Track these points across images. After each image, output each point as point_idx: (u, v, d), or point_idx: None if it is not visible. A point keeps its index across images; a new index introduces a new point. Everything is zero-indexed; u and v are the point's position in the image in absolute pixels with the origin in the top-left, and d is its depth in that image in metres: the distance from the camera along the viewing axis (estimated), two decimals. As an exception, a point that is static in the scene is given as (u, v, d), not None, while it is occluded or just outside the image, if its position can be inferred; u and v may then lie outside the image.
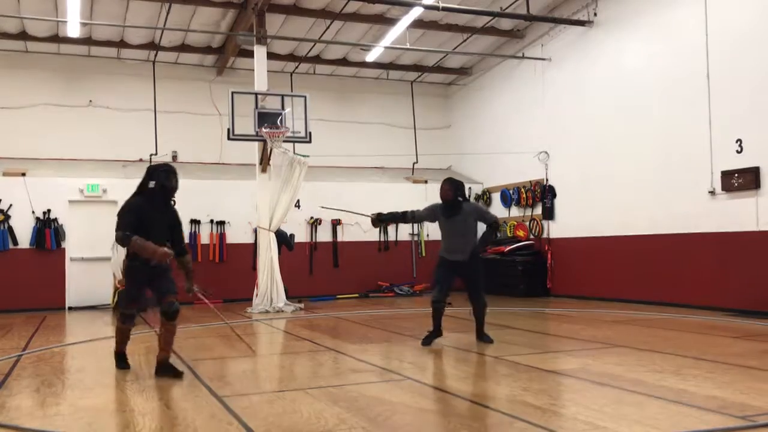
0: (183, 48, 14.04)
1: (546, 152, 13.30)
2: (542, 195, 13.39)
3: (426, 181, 15.35)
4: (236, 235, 13.64)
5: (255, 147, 12.00)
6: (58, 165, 13.42)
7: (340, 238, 14.55)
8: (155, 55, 14.27)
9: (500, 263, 13.21)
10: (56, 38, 13.16)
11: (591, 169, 12.13)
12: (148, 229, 5.40)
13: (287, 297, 11.75)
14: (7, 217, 12.33)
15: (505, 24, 13.84)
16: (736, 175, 9.33)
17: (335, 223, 14.49)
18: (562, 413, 4.14)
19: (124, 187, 13.02)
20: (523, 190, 13.94)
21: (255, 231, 12.76)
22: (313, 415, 4.09)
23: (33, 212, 12.49)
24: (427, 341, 6.79)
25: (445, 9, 11.61)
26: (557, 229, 13.18)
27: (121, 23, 12.38)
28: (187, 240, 13.18)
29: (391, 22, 12.79)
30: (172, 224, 5.75)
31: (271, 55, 12.94)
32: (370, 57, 14.61)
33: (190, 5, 12.18)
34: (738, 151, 9.34)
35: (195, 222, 13.47)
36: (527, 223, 13.81)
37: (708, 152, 9.76)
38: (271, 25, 12.65)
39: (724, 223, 9.58)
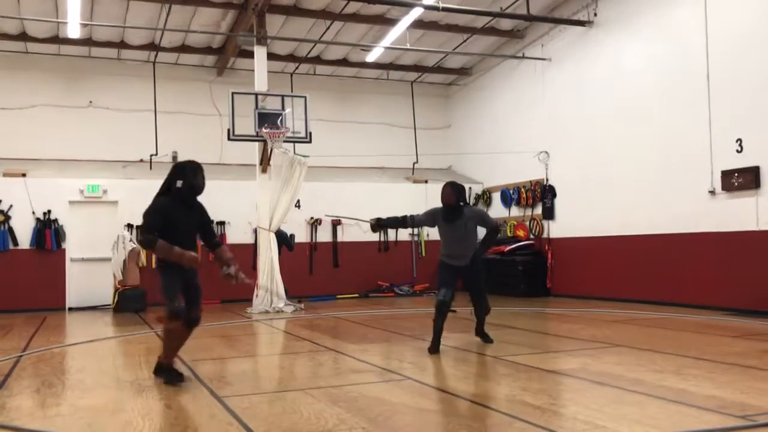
0: (183, 49, 14.05)
1: (546, 152, 13.30)
2: (542, 195, 13.39)
3: (426, 181, 15.36)
4: (236, 235, 13.64)
5: (255, 147, 12.00)
6: (59, 165, 13.43)
7: (340, 239, 14.55)
8: (155, 56, 14.28)
9: (500, 263, 13.21)
10: (56, 39, 13.17)
11: (591, 168, 12.13)
12: (175, 231, 5.23)
13: (287, 297, 11.76)
14: (8, 218, 12.34)
15: (505, 24, 13.84)
16: (736, 174, 9.33)
17: (335, 224, 14.49)
18: (561, 413, 4.14)
19: (124, 188, 13.16)
20: (523, 190, 13.95)
21: (255, 231, 12.76)
22: (313, 416, 4.10)
23: (33, 213, 12.49)
24: (435, 348, 6.48)
25: (445, 9, 11.61)
26: (557, 228, 13.18)
27: (121, 24, 12.39)
28: (187, 240, 13.39)
29: (391, 22, 12.79)
30: (201, 222, 5.61)
31: (271, 56, 12.95)
32: (371, 57, 14.61)
33: (190, 6, 12.19)
34: (738, 151, 9.34)
35: (195, 222, 13.45)
36: (527, 223, 13.81)
37: (708, 152, 9.75)
38: (272, 26, 12.66)
39: (724, 223, 9.58)
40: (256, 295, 11.57)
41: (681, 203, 10.25)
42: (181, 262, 5.18)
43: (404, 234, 15.05)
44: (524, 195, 13.87)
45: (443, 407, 4.33)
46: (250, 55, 12.55)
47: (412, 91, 16.62)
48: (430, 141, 16.49)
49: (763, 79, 9.00)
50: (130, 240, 12.40)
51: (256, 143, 11.83)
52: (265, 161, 11.89)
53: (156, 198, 5.40)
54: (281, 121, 11.60)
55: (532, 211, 13.76)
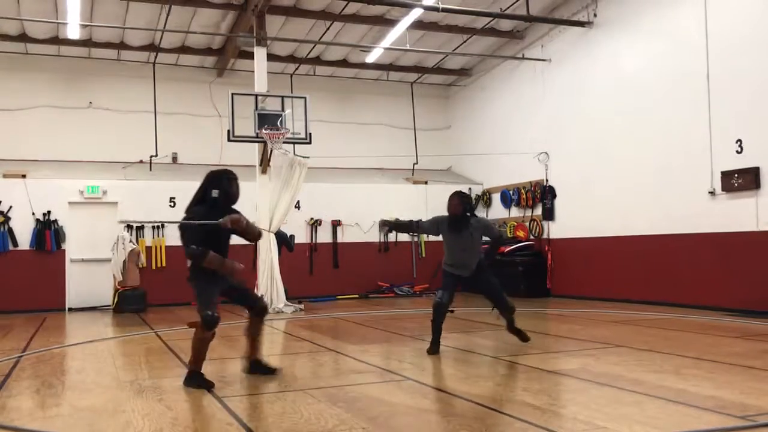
0: (183, 49, 14.06)
1: (546, 153, 13.30)
2: (542, 195, 13.39)
3: (426, 182, 15.37)
4: (236, 235, 13.62)
5: (255, 148, 12.00)
6: (59, 167, 13.43)
7: (340, 239, 14.55)
8: (155, 57, 14.28)
9: (500, 263, 13.20)
10: (56, 40, 13.18)
11: (591, 169, 12.13)
12: (214, 241, 5.19)
13: (287, 298, 11.75)
14: (8, 219, 12.34)
15: (505, 25, 13.84)
16: (736, 175, 9.33)
17: (335, 224, 14.49)
18: (561, 413, 4.14)
19: (124, 189, 13.17)
20: (523, 190, 13.95)
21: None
22: (313, 416, 4.09)
23: (33, 214, 12.50)
24: (435, 349, 6.47)
25: (445, 10, 11.62)
26: (557, 229, 13.18)
27: (121, 25, 12.40)
28: (187, 241, 13.39)
29: (391, 23, 12.80)
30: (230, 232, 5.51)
31: (271, 57, 12.95)
32: (370, 58, 14.62)
33: (190, 7, 12.19)
34: (738, 152, 9.34)
35: (195, 223, 13.45)
36: (527, 224, 13.81)
37: (708, 152, 9.76)
38: (271, 27, 12.66)
39: (724, 224, 9.58)
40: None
41: (681, 204, 10.25)
42: (232, 274, 5.18)
43: (404, 235, 15.04)
44: (524, 196, 13.88)
45: (443, 407, 4.32)
46: (249, 56, 12.55)
47: (411, 92, 16.63)
48: (430, 142, 16.49)
49: (763, 80, 9.01)
50: (130, 241, 12.40)
51: (256, 144, 11.83)
52: (265, 162, 11.89)
53: (190, 207, 5.33)
54: (281, 122, 11.60)
55: (532, 212, 13.76)
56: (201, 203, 5.29)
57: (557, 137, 13.03)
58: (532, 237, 13.67)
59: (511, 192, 14.37)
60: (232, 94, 11.63)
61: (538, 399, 4.45)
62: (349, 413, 4.14)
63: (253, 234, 5.57)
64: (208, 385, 5.04)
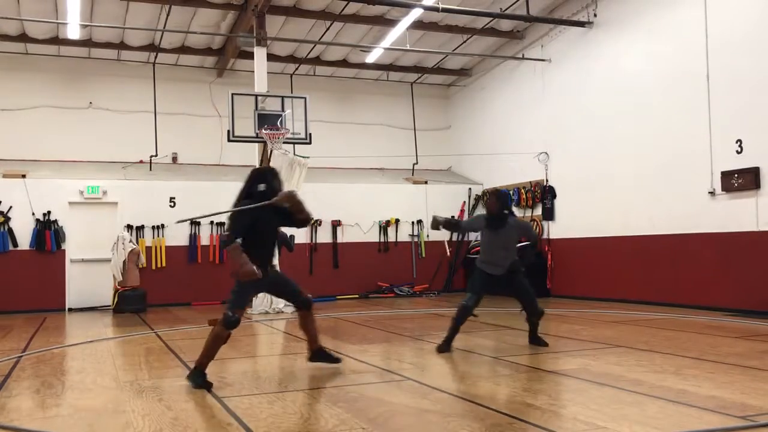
0: (183, 49, 14.06)
1: (546, 153, 13.30)
2: (542, 196, 13.39)
3: (426, 182, 15.37)
4: (285, 224, 13.61)
5: (255, 148, 12.00)
6: (59, 167, 13.43)
7: (339, 239, 14.54)
8: (155, 57, 14.28)
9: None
10: (56, 40, 13.18)
11: (591, 169, 12.14)
12: (262, 232, 5.38)
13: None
14: (8, 219, 12.34)
15: (505, 25, 13.84)
16: (736, 175, 9.33)
17: (335, 224, 14.49)
18: (562, 413, 4.14)
19: (124, 189, 13.17)
20: (523, 190, 13.95)
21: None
22: (313, 416, 4.09)
23: (33, 214, 12.50)
24: (446, 347, 6.54)
25: (445, 10, 11.62)
26: (557, 229, 13.18)
27: (121, 25, 12.40)
28: (186, 242, 13.44)
29: (391, 23, 12.80)
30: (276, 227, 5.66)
31: (271, 57, 12.95)
32: (370, 58, 14.62)
33: (190, 7, 12.19)
34: (738, 152, 9.35)
35: (195, 223, 13.48)
36: (527, 224, 13.80)
37: (708, 152, 9.76)
38: (271, 27, 12.66)
39: (724, 224, 9.58)
40: (256, 296, 11.57)
41: (681, 204, 10.25)
42: (238, 274, 5.12)
43: (404, 235, 15.06)
44: (524, 196, 13.88)
45: (443, 407, 4.32)
46: (249, 56, 12.55)
47: (411, 92, 16.63)
48: (430, 142, 16.49)
49: (763, 80, 9.01)
50: (130, 241, 12.40)
51: (256, 144, 11.83)
52: (265, 162, 11.88)
53: (238, 203, 5.43)
54: (281, 122, 11.60)
55: (532, 212, 13.76)
56: (248, 198, 5.39)
57: (557, 137, 13.03)
58: (532, 237, 13.65)
59: (511, 192, 14.36)
60: (232, 94, 11.63)
61: (538, 399, 4.45)
62: (349, 413, 4.14)
63: (305, 214, 5.58)
64: (207, 386, 5.05)
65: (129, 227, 12.98)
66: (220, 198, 13.36)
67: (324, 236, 14.49)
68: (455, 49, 14.56)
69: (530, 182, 13.73)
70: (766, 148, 9.00)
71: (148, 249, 13.08)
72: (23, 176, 12.60)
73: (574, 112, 12.61)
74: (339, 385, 5.15)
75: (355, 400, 4.53)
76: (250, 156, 12.42)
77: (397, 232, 15.00)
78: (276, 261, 11.69)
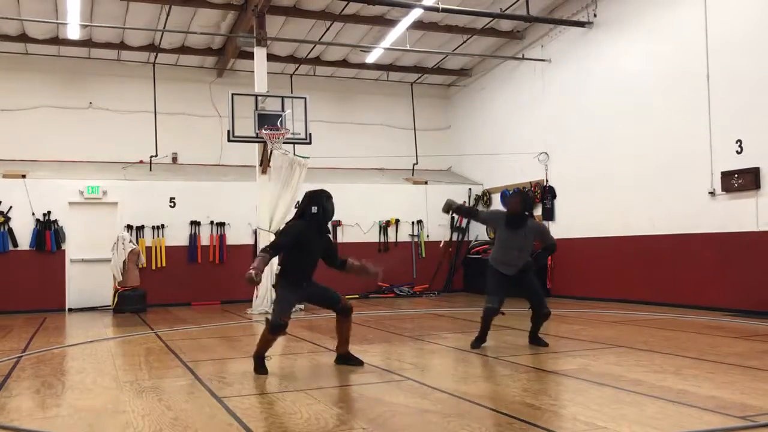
0: (183, 50, 14.06)
1: (546, 153, 13.31)
2: (542, 196, 13.38)
3: (426, 182, 15.37)
4: (236, 236, 13.65)
5: (255, 148, 12.00)
6: (59, 167, 13.44)
7: (339, 239, 14.53)
8: (155, 57, 14.28)
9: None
10: (56, 40, 13.18)
11: (591, 169, 12.14)
12: (308, 252, 5.70)
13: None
14: (8, 219, 12.34)
15: (505, 25, 13.84)
16: (736, 175, 9.33)
17: (335, 224, 14.48)
18: (562, 413, 4.14)
19: (124, 189, 13.17)
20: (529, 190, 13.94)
21: (255, 232, 12.76)
22: (313, 416, 4.09)
23: (33, 214, 12.50)
24: (477, 344, 6.69)
25: (445, 10, 11.61)
26: (557, 229, 13.14)
27: (121, 25, 12.40)
28: (186, 242, 13.44)
29: (391, 23, 12.80)
30: (328, 248, 5.97)
31: (271, 57, 12.95)
32: (370, 58, 14.62)
33: (190, 7, 12.19)
34: (738, 152, 9.35)
35: (195, 223, 13.49)
36: (527, 224, 13.79)
37: (708, 152, 9.76)
38: (271, 27, 12.66)
39: (724, 224, 9.58)
40: (256, 296, 11.58)
41: (681, 204, 10.25)
42: (249, 281, 5.33)
43: (404, 235, 15.06)
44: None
45: (443, 408, 4.32)
46: (249, 56, 12.55)
47: (412, 92, 16.63)
48: (430, 142, 16.49)
49: (763, 80, 9.01)
50: (130, 241, 12.40)
51: (256, 144, 11.83)
52: (264, 162, 11.89)
53: (292, 221, 5.90)
54: (281, 122, 11.60)
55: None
56: (301, 218, 5.78)
57: (557, 137, 13.03)
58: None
59: (511, 192, 14.35)
60: (232, 94, 11.64)
61: (538, 399, 4.45)
62: (349, 413, 4.14)
63: (358, 270, 6.22)
64: (261, 371, 5.53)
65: (129, 227, 12.99)
66: (220, 198, 13.60)
67: (324, 236, 14.45)
68: (455, 49, 14.56)
69: (530, 182, 13.72)
70: (766, 148, 8.99)
71: (148, 249, 13.08)
72: (23, 176, 12.61)
73: (574, 112, 12.61)
74: (339, 385, 5.15)
75: (355, 400, 4.53)
76: (250, 156, 12.43)
77: (397, 232, 15.01)
78: (276, 262, 11.72)
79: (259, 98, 11.62)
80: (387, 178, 15.53)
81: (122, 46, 13.64)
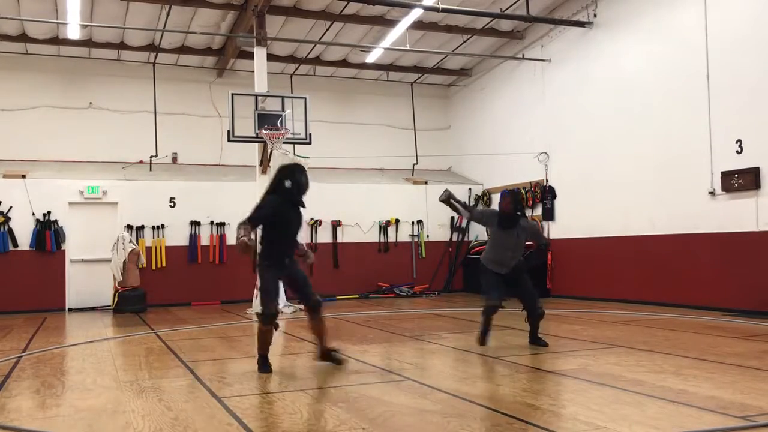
0: (183, 50, 14.06)
1: (546, 153, 13.31)
2: (542, 196, 13.38)
3: (426, 182, 15.37)
4: (236, 236, 13.64)
5: (255, 148, 12.01)
6: (59, 167, 13.44)
7: (340, 239, 14.55)
8: (155, 57, 14.28)
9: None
10: (56, 40, 13.18)
11: (591, 169, 12.14)
12: (286, 227, 5.64)
13: (287, 298, 11.75)
14: (8, 219, 12.34)
15: (505, 25, 13.84)
16: (736, 175, 9.33)
17: (335, 225, 14.49)
18: (562, 413, 4.14)
19: (124, 189, 13.17)
20: (523, 191, 13.93)
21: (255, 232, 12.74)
22: (313, 416, 4.09)
23: (33, 214, 12.50)
24: (483, 340, 6.70)
25: (445, 10, 11.62)
26: (557, 229, 13.17)
27: (121, 25, 12.40)
28: (186, 242, 13.45)
29: (391, 23, 12.80)
30: (299, 222, 5.88)
31: (271, 57, 12.95)
32: (370, 58, 14.62)
33: (190, 7, 12.19)
34: (738, 152, 9.34)
35: (195, 223, 13.49)
36: (527, 224, 13.79)
37: (708, 152, 9.76)
38: (271, 27, 12.66)
39: (724, 224, 9.58)
40: (256, 296, 11.57)
41: (681, 204, 10.25)
42: (239, 251, 5.37)
43: (404, 235, 15.06)
44: (524, 196, 13.85)
45: (443, 408, 4.32)
46: (249, 56, 12.55)
47: (411, 92, 16.63)
48: (430, 142, 16.50)
49: (763, 79, 9.01)
50: (130, 241, 12.40)
51: (256, 144, 11.83)
52: (265, 162, 11.89)
53: (264, 197, 5.75)
54: (281, 122, 11.60)
55: (532, 212, 13.75)
56: (274, 193, 5.68)
57: (557, 137, 13.03)
58: (532, 237, 13.64)
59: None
60: (232, 94, 11.64)
61: (538, 399, 4.45)
62: (349, 413, 4.14)
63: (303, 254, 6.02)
64: (264, 370, 5.55)
65: (129, 227, 12.99)
66: (220, 198, 13.60)
67: (324, 236, 14.49)
68: (455, 49, 14.56)
69: (530, 182, 13.72)
70: (766, 148, 8.99)
71: (148, 249, 13.09)
72: (23, 176, 12.61)
73: (574, 112, 12.61)
74: (339, 385, 5.15)
75: (355, 400, 4.53)
76: (250, 156, 12.43)
77: (397, 232, 15.01)
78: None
79: (259, 98, 11.62)
80: (387, 178, 15.54)
81: (122, 46, 13.64)
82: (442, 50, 14.49)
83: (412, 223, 15.13)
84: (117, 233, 12.48)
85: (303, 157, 11.76)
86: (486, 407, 4.30)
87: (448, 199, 6.93)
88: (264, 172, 11.95)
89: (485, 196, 15.37)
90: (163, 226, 13.28)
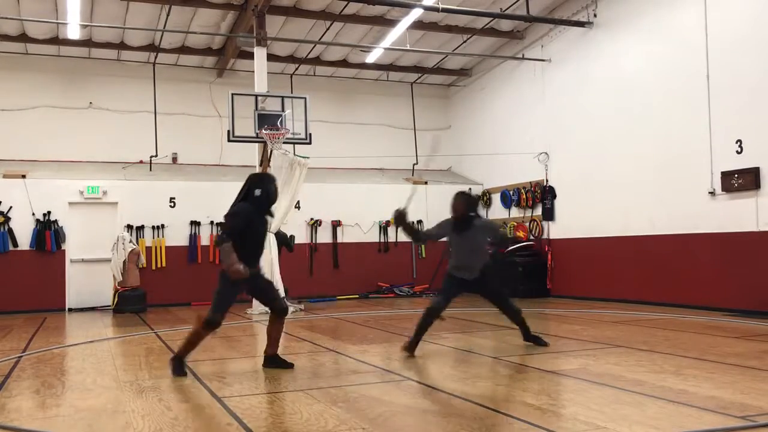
0: (183, 50, 14.06)
1: (546, 153, 13.31)
2: (542, 196, 13.38)
3: (426, 182, 15.36)
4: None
5: (255, 148, 12.00)
6: (58, 167, 13.44)
7: (340, 239, 14.55)
8: (155, 57, 14.28)
9: (500, 264, 13.20)
10: (56, 40, 13.18)
11: (591, 169, 12.14)
12: (255, 236, 5.58)
13: (287, 298, 11.74)
14: (8, 219, 12.35)
15: (505, 25, 13.84)
16: (736, 175, 9.33)
17: (335, 225, 14.49)
18: (562, 413, 4.14)
19: (124, 189, 13.17)
20: (523, 191, 13.94)
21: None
22: (313, 416, 4.09)
23: (33, 214, 12.50)
24: (412, 349, 6.44)
25: (445, 10, 11.62)
26: (557, 229, 13.18)
27: (121, 25, 12.40)
28: (186, 242, 13.45)
29: (391, 23, 12.80)
30: (265, 231, 5.85)
31: (271, 57, 12.95)
32: (370, 58, 14.62)
33: (190, 7, 12.19)
34: (738, 152, 9.34)
35: (195, 223, 13.49)
36: (527, 224, 13.81)
37: (708, 152, 9.76)
38: (271, 27, 12.66)
39: (724, 224, 9.58)
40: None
41: (681, 204, 10.25)
42: (228, 271, 5.32)
43: (404, 235, 15.02)
44: (524, 196, 13.87)
45: (443, 408, 4.32)
46: (249, 56, 12.55)
47: (412, 92, 16.63)
48: (430, 142, 16.48)
49: (763, 79, 9.01)
50: (130, 241, 12.40)
51: (256, 144, 11.82)
52: (264, 162, 11.88)
53: (235, 203, 5.65)
54: (281, 122, 11.60)
55: (532, 212, 13.77)
56: (244, 200, 5.62)
57: (557, 137, 13.03)
58: (532, 237, 13.66)
59: (511, 192, 14.37)
60: (232, 94, 11.63)
61: (538, 399, 4.45)
62: (349, 413, 4.14)
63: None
64: (180, 373, 5.50)
65: (129, 227, 13.00)
66: (220, 198, 13.55)
67: (324, 236, 14.49)
68: (455, 49, 14.56)
69: (530, 182, 13.72)
70: (766, 148, 8.99)
71: (148, 249, 13.09)
72: (23, 176, 12.61)
73: (574, 112, 12.61)
74: (339, 385, 5.15)
75: (355, 400, 4.53)
76: (250, 156, 12.42)
77: (397, 232, 14.99)
78: (276, 262, 11.74)
79: (259, 98, 11.62)
80: (387, 178, 15.53)
81: (122, 46, 13.64)
82: (442, 50, 14.49)
83: (412, 223, 15.09)
84: (117, 233, 12.48)
85: (303, 157, 11.76)
86: (486, 407, 4.30)
87: (399, 221, 6.53)
88: (264, 172, 11.95)
89: (485, 196, 15.37)
90: (163, 226, 13.28)
